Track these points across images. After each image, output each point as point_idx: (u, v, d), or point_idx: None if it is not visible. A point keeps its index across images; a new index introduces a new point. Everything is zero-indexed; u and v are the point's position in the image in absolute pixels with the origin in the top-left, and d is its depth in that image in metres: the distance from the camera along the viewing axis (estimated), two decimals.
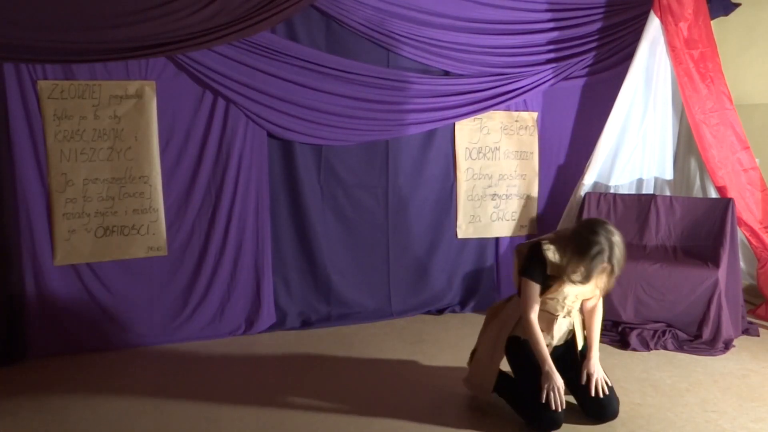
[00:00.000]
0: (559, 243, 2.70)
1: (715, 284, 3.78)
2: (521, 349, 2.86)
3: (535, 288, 2.74)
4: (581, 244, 2.54)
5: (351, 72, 4.08)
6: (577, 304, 2.85)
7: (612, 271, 2.56)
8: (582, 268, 2.54)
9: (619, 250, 2.53)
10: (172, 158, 3.85)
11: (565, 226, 4.58)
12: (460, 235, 4.61)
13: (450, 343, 3.90)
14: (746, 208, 4.28)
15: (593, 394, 2.76)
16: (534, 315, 2.76)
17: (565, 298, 2.78)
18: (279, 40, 3.90)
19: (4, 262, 3.49)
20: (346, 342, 3.94)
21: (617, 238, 2.54)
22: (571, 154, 4.83)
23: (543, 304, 2.80)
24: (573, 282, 2.64)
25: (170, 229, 3.89)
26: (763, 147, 4.67)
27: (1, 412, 2.94)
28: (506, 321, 2.93)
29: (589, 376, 2.78)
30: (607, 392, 2.77)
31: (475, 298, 4.60)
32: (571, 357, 2.89)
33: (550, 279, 2.73)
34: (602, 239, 2.51)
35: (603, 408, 2.78)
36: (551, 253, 2.70)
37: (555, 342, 2.91)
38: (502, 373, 2.94)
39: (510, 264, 4.76)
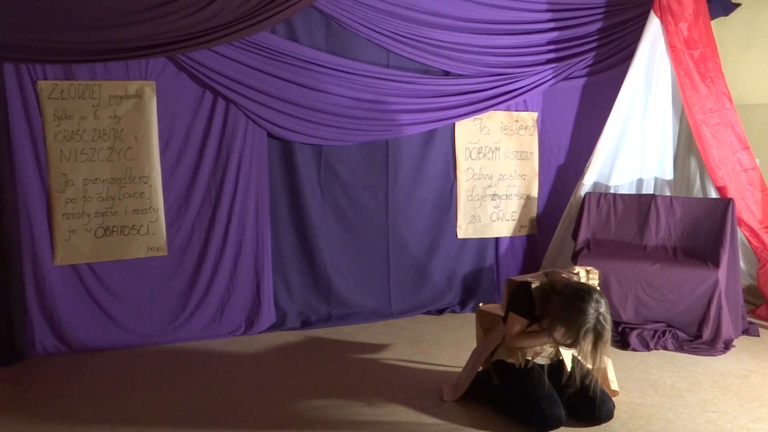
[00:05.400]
0: (546, 298, 2.66)
1: (715, 284, 3.78)
2: (508, 371, 2.87)
3: (522, 323, 2.75)
4: (570, 317, 2.48)
5: (351, 72, 4.09)
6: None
7: (597, 341, 2.51)
8: (570, 340, 2.51)
9: (607, 323, 2.49)
10: (172, 158, 3.85)
11: (565, 227, 4.59)
12: (460, 235, 4.61)
13: (450, 343, 3.90)
14: (746, 208, 4.28)
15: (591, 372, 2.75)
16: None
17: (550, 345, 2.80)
18: (279, 40, 3.90)
19: (4, 262, 3.49)
20: (346, 342, 3.94)
21: (604, 309, 2.50)
22: (571, 154, 4.83)
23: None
24: (558, 344, 2.62)
25: (170, 229, 3.89)
26: (763, 147, 4.66)
27: (2, 411, 2.94)
28: (488, 346, 2.97)
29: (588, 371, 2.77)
30: (598, 391, 2.76)
31: (475, 298, 4.59)
32: (560, 370, 2.86)
33: (537, 318, 2.73)
34: (591, 318, 2.46)
35: (598, 409, 2.75)
36: (538, 300, 2.69)
37: (540, 359, 2.88)
38: (490, 384, 2.96)
39: (510, 264, 4.78)
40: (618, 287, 3.94)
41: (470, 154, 4.57)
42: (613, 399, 2.87)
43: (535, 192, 4.79)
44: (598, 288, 2.78)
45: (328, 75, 4.04)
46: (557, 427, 2.72)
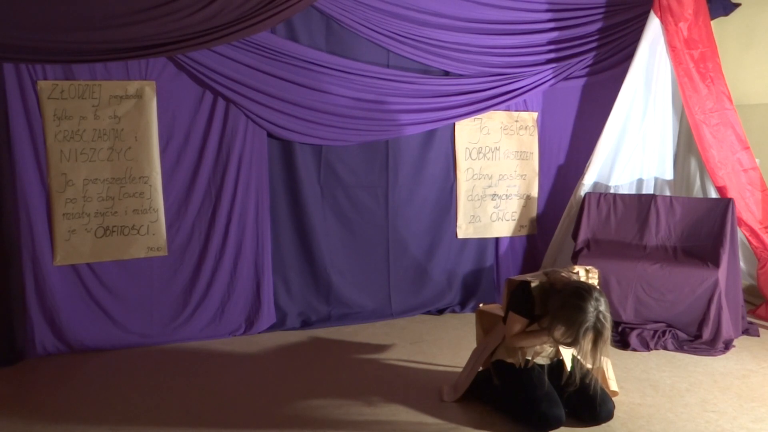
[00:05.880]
0: (546, 297, 2.66)
1: (715, 284, 3.78)
2: (508, 371, 2.87)
3: (522, 322, 2.75)
4: (570, 316, 2.48)
5: (351, 72, 4.09)
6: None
7: (597, 339, 2.51)
8: (569, 339, 2.51)
9: (607, 321, 2.48)
10: (172, 158, 3.86)
11: (565, 227, 4.59)
12: (460, 235, 4.61)
13: (450, 343, 3.90)
14: (746, 208, 4.28)
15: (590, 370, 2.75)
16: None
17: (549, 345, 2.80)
18: (279, 40, 3.90)
19: (4, 262, 3.49)
20: (346, 342, 3.94)
21: (603, 307, 2.49)
22: (571, 154, 4.83)
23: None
24: (558, 342, 2.62)
25: (170, 229, 3.89)
26: (763, 147, 4.66)
27: (2, 411, 2.94)
28: (488, 346, 2.98)
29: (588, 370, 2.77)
30: (598, 390, 2.76)
31: (475, 298, 4.59)
32: (560, 370, 2.86)
33: (537, 318, 2.73)
34: (590, 316, 2.45)
35: (598, 409, 2.74)
36: (538, 299, 2.70)
37: (540, 359, 2.87)
38: (490, 384, 2.96)
39: (510, 264, 4.78)
40: (618, 287, 3.94)
41: (470, 154, 4.57)
42: (613, 399, 2.87)
43: (535, 192, 4.79)
44: (598, 287, 2.78)
45: (328, 75, 4.04)
46: (557, 427, 2.72)
